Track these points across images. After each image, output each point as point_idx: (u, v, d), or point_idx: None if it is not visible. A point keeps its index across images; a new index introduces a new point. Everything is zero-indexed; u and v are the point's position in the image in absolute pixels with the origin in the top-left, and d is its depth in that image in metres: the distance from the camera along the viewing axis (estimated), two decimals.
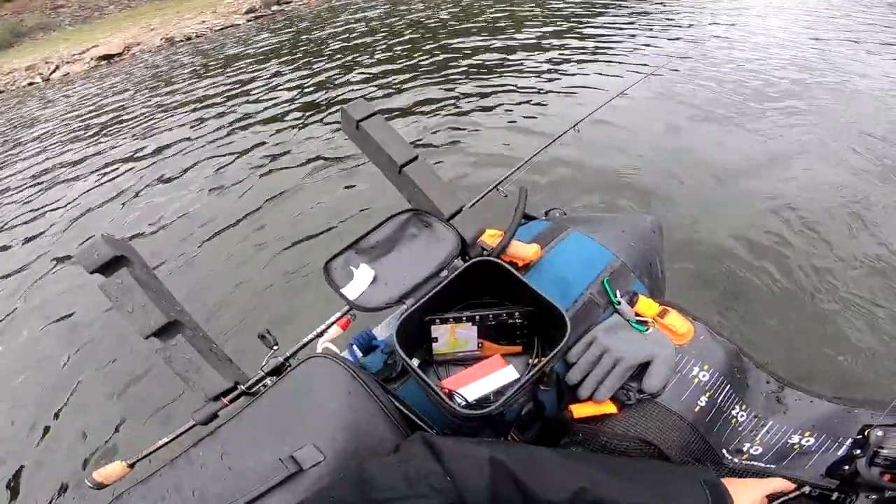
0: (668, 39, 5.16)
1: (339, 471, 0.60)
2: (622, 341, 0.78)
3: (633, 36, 5.35)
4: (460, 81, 4.79)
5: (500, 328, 0.80)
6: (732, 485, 0.59)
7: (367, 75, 5.60)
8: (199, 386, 0.76)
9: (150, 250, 3.01)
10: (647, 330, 0.80)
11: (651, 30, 5.56)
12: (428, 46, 6.26)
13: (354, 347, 0.88)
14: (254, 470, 0.61)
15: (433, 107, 4.32)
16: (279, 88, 5.80)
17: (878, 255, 2.08)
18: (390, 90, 4.96)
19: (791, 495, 0.63)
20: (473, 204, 1.20)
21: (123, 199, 3.87)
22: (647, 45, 5.01)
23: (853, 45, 4.50)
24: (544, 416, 0.80)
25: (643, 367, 0.76)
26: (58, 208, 4.04)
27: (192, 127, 5.18)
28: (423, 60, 5.72)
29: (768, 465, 0.69)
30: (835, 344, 1.74)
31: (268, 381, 0.81)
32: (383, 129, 0.97)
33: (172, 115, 5.77)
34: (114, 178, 4.34)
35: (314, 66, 6.44)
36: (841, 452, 0.64)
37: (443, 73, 5.17)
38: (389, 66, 5.75)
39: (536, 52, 5.25)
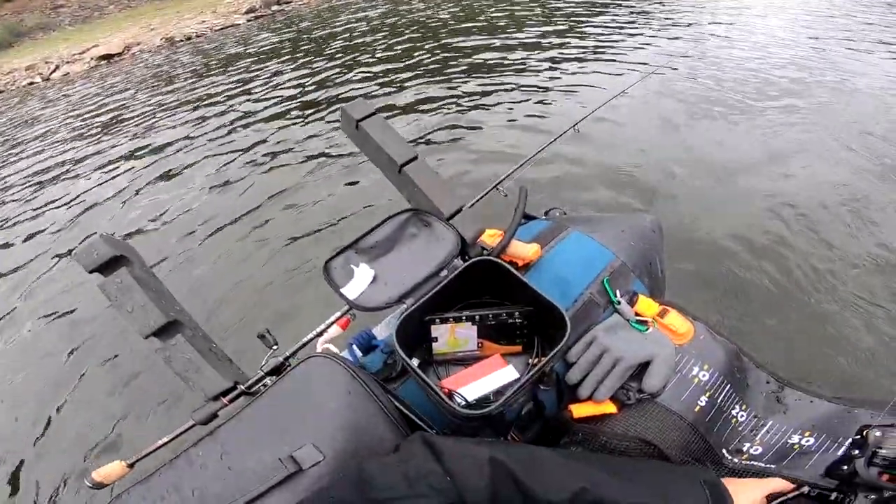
0: (668, 38, 5.16)
1: (339, 471, 0.60)
2: (622, 341, 0.78)
3: (633, 35, 5.35)
4: (461, 80, 4.79)
5: (500, 328, 0.80)
6: (732, 485, 0.59)
7: (368, 74, 5.60)
8: (198, 386, 0.76)
9: (151, 248, 3.02)
10: (647, 330, 0.80)
11: (651, 29, 5.56)
12: (428, 46, 6.25)
13: (354, 347, 0.88)
14: (253, 470, 0.61)
15: (434, 105, 4.32)
16: (280, 87, 5.80)
17: (878, 254, 2.08)
18: (391, 89, 4.96)
19: (790, 495, 0.63)
20: (473, 203, 1.20)
21: (124, 197, 3.88)
22: (648, 44, 5.01)
23: (853, 44, 4.50)
24: (544, 416, 0.80)
25: (643, 367, 0.76)
26: (59, 206, 4.05)
27: (193, 125, 5.19)
28: (423, 59, 5.72)
29: (768, 465, 0.68)
30: (835, 344, 1.74)
31: (267, 380, 0.81)
32: (383, 128, 0.97)
33: (173, 114, 5.77)
34: (115, 176, 4.34)
35: (315, 65, 6.44)
36: (840, 453, 0.64)
37: (443, 71, 5.16)
38: (390, 65, 5.75)
39: (537, 52, 5.24)
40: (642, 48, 4.94)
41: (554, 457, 0.58)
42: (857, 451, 0.58)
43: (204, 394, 0.76)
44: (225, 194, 3.55)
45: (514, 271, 0.77)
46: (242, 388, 0.78)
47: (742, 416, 0.77)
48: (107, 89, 8.34)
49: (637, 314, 0.84)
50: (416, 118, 4.13)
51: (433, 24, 7.48)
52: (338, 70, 6.01)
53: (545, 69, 4.72)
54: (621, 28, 5.66)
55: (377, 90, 5.02)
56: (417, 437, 0.60)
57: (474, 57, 5.45)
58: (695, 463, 0.71)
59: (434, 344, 0.81)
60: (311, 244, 2.76)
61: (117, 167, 4.56)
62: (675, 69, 4.18)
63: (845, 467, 0.59)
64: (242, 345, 2.03)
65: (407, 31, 7.29)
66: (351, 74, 5.72)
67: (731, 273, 2.08)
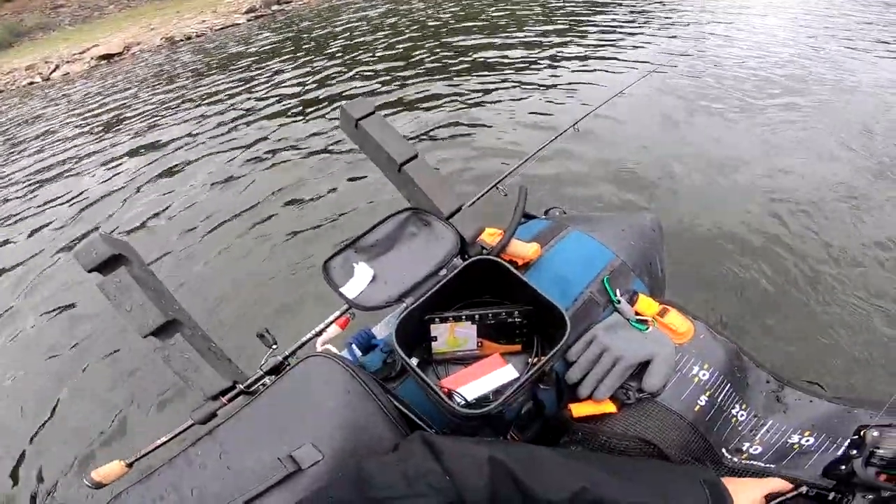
0: (668, 37, 5.16)
1: (338, 470, 0.60)
2: (622, 340, 0.78)
3: (633, 34, 5.35)
4: (462, 78, 4.79)
5: (500, 327, 0.80)
6: (732, 484, 0.59)
7: (369, 72, 5.60)
8: (197, 385, 0.76)
9: (152, 244, 3.04)
10: (647, 329, 0.80)
11: (651, 28, 5.56)
12: (429, 45, 6.26)
13: (353, 346, 0.88)
14: (252, 469, 0.61)
15: (435, 103, 4.32)
16: (281, 85, 5.81)
17: (878, 253, 2.08)
18: (392, 87, 4.96)
19: (788, 495, 0.63)
20: (473, 202, 1.20)
21: (126, 194, 3.89)
22: (648, 43, 5.01)
23: (852, 43, 4.49)
24: (544, 416, 0.80)
25: (643, 366, 0.76)
26: (62, 203, 4.06)
27: (194, 123, 5.19)
28: (424, 58, 5.73)
29: (768, 465, 0.68)
30: (834, 343, 1.74)
31: (266, 380, 0.81)
32: (382, 127, 0.96)
33: (174, 112, 5.78)
34: (117, 174, 4.35)
35: (316, 64, 6.44)
36: (839, 453, 0.64)
37: (444, 70, 5.17)
38: (391, 64, 5.76)
39: (537, 50, 5.24)
40: (642, 47, 4.93)
41: (554, 456, 0.58)
42: (854, 451, 0.58)
43: (203, 393, 0.76)
44: (227, 191, 3.56)
45: (514, 270, 0.77)
46: (241, 387, 0.78)
47: (742, 415, 0.76)
48: (107, 88, 8.34)
49: (637, 313, 0.84)
50: (417, 116, 4.13)
51: (433, 24, 7.47)
52: (339, 68, 6.01)
53: (546, 68, 4.71)
54: (621, 27, 5.66)
55: (378, 88, 5.03)
56: (417, 436, 0.60)
57: (475, 55, 5.45)
58: (695, 462, 0.71)
59: (433, 343, 0.81)
60: (312, 240, 2.76)
61: (119, 164, 4.57)
62: (675, 67, 4.18)
63: (843, 467, 0.59)
64: (242, 341, 2.04)
65: (407, 31, 7.29)
66: (352, 73, 5.72)
67: (731, 272, 2.08)
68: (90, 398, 2.12)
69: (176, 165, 4.21)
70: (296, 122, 4.57)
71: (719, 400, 0.75)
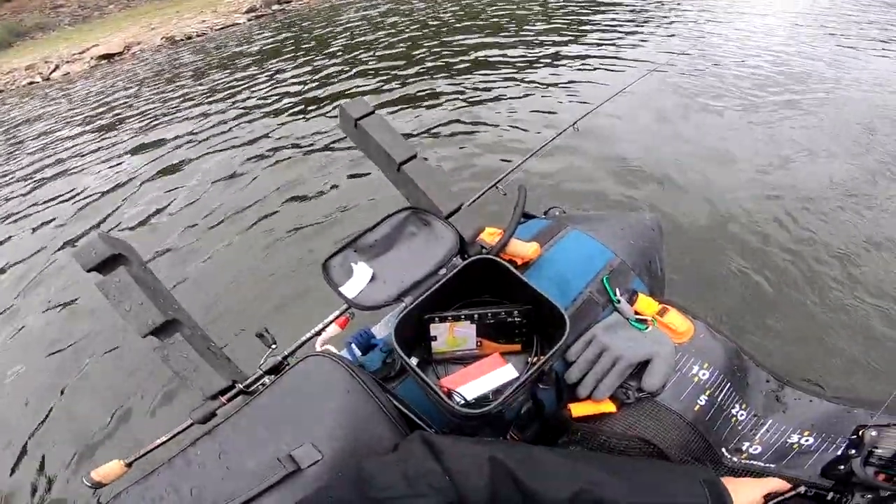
0: (668, 36, 5.16)
1: (337, 470, 0.60)
2: (621, 339, 0.78)
3: (633, 33, 5.35)
4: (462, 77, 4.80)
5: (499, 326, 0.80)
6: (731, 484, 0.59)
7: (370, 71, 5.61)
8: (196, 385, 0.76)
9: (154, 241, 3.05)
10: (646, 328, 0.80)
11: (650, 27, 5.56)
12: (430, 44, 6.26)
13: (353, 346, 0.88)
14: (252, 469, 0.61)
15: (435, 102, 4.32)
16: (282, 84, 5.81)
17: (878, 254, 2.08)
18: (392, 85, 4.97)
19: (787, 495, 0.63)
20: (472, 202, 1.19)
21: (128, 191, 3.90)
22: (648, 42, 5.01)
23: (852, 42, 4.50)
24: (543, 415, 0.80)
25: (643, 366, 0.76)
26: (63, 200, 4.07)
27: (195, 121, 5.20)
28: (425, 57, 5.73)
29: (768, 465, 0.68)
30: (834, 343, 1.73)
31: (266, 379, 0.81)
32: (382, 126, 0.96)
33: (175, 111, 5.78)
34: (118, 172, 4.36)
35: (317, 63, 6.45)
36: (839, 452, 0.64)
37: (445, 69, 5.17)
38: (392, 63, 5.76)
39: (538, 49, 5.24)
40: (642, 46, 4.93)
41: (553, 456, 0.58)
42: (853, 451, 0.58)
43: (202, 393, 0.76)
44: (229, 188, 3.56)
45: (514, 270, 0.77)
46: (241, 386, 0.78)
47: (742, 415, 0.76)
48: (108, 88, 8.35)
49: (637, 313, 0.84)
50: (418, 114, 4.13)
51: (434, 23, 7.47)
52: (340, 67, 6.02)
53: (546, 66, 4.71)
54: (621, 26, 5.66)
55: (379, 87, 5.03)
56: (416, 436, 0.60)
57: (475, 54, 5.45)
58: (694, 462, 0.71)
59: (433, 343, 0.81)
60: (313, 236, 2.77)
61: (120, 162, 4.58)
62: (675, 66, 4.18)
63: (842, 467, 0.60)
64: (242, 337, 2.08)
65: (408, 30, 7.29)
66: (353, 71, 5.73)
67: (731, 271, 2.08)
68: (91, 395, 2.12)
69: (177, 163, 4.22)
70: (297, 120, 4.57)
71: (719, 399, 0.75)
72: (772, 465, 0.68)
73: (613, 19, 6.03)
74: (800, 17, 5.44)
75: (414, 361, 0.76)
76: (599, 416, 0.74)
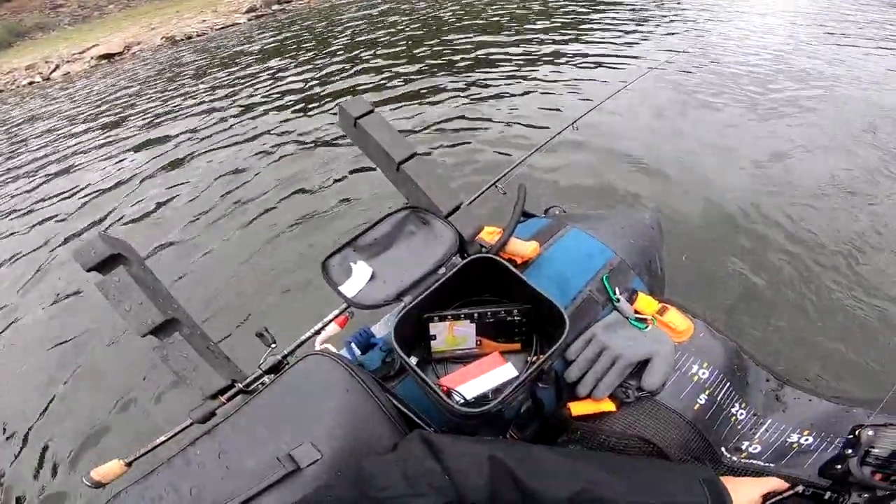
0: (669, 35, 5.16)
1: (337, 469, 0.60)
2: (621, 338, 0.78)
3: (633, 32, 5.35)
4: (463, 76, 4.80)
5: (499, 326, 0.80)
6: (731, 483, 0.59)
7: (371, 70, 5.62)
8: (196, 384, 0.76)
9: (156, 236, 3.06)
10: (646, 327, 0.80)
11: (650, 26, 5.56)
12: (430, 42, 6.26)
13: (352, 345, 0.87)
14: (251, 468, 0.61)
15: (436, 99, 4.33)
16: (284, 83, 5.83)
17: (879, 254, 2.07)
18: (393, 84, 4.97)
19: (785, 494, 0.63)
20: (472, 201, 1.19)
21: (130, 188, 3.92)
22: (648, 41, 5.01)
23: (851, 40, 4.50)
24: (543, 414, 0.80)
25: (642, 365, 0.76)
26: (66, 197, 4.10)
27: (196, 119, 5.22)
28: (425, 56, 5.74)
29: (767, 464, 0.68)
30: (834, 342, 1.73)
31: (265, 379, 0.81)
32: (381, 125, 0.96)
33: (177, 109, 5.80)
34: (119, 169, 4.38)
35: (318, 62, 6.47)
36: (837, 452, 0.64)
37: (445, 67, 5.18)
38: (392, 61, 5.77)
39: (538, 48, 5.24)
40: (642, 44, 4.94)
41: (553, 455, 0.58)
42: (850, 451, 0.58)
43: (202, 392, 0.76)
44: (230, 184, 3.58)
45: (513, 269, 0.77)
46: (240, 386, 0.78)
47: (741, 414, 0.76)
48: (109, 87, 8.36)
49: (636, 312, 0.83)
50: (418, 112, 4.14)
51: (435, 22, 7.47)
52: (341, 66, 6.03)
53: (547, 64, 4.72)
54: (622, 25, 5.66)
55: (380, 84, 5.04)
56: (416, 435, 0.60)
57: (476, 53, 5.45)
58: (694, 461, 0.71)
59: (432, 342, 0.81)
60: (316, 231, 2.79)
61: (122, 159, 4.61)
62: (675, 65, 4.17)
63: (839, 466, 0.60)
64: (242, 331, 2.10)
65: (408, 29, 7.29)
66: (353, 70, 5.74)
67: (731, 270, 2.08)
68: (91, 392, 2.12)
69: (179, 159, 4.24)
70: (299, 117, 4.59)
71: (719, 398, 0.75)
72: (771, 465, 0.68)
73: (614, 18, 6.03)
74: (799, 17, 5.44)
75: (413, 360, 0.76)
76: (599, 415, 0.74)
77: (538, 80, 4.35)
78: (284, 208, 3.08)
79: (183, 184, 3.74)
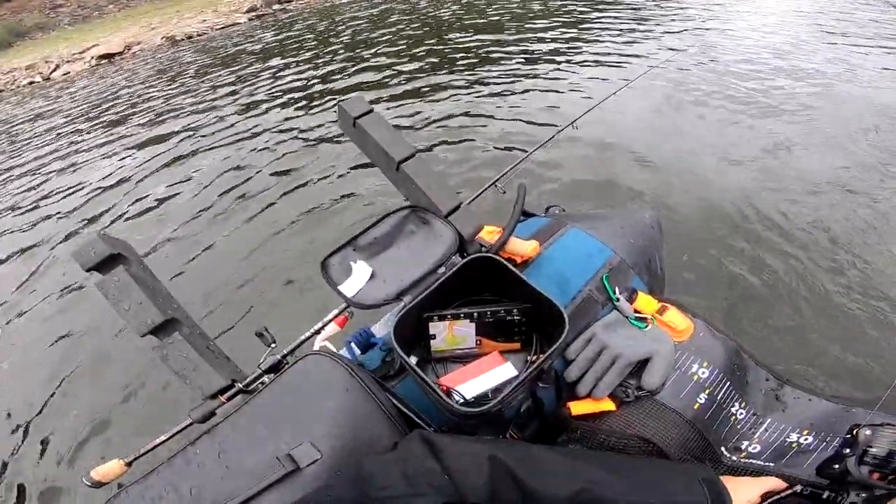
0: (670, 34, 5.16)
1: (337, 469, 0.60)
2: (621, 338, 0.78)
3: (634, 31, 5.35)
4: (463, 75, 4.80)
5: (499, 325, 0.80)
6: (730, 483, 0.59)
7: (372, 69, 5.62)
8: (196, 384, 0.76)
9: (157, 233, 3.07)
10: (646, 327, 0.80)
11: (650, 25, 5.56)
12: (430, 41, 6.27)
13: (352, 345, 0.87)
14: (251, 468, 0.61)
15: (437, 97, 4.33)
16: (285, 81, 5.84)
17: (879, 254, 2.07)
18: (394, 82, 4.98)
19: (784, 494, 0.63)
20: (472, 200, 1.19)
21: (131, 185, 3.94)
22: (648, 40, 5.01)
23: (851, 40, 4.49)
24: (543, 414, 0.80)
25: (642, 364, 0.75)
26: (66, 195, 4.11)
27: (198, 116, 5.24)
28: (426, 55, 5.74)
29: (767, 464, 0.68)
30: (833, 342, 1.73)
31: (265, 378, 0.81)
32: (380, 125, 0.96)
33: (178, 107, 5.81)
34: (121, 167, 4.40)
35: (319, 60, 6.48)
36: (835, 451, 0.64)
37: (446, 66, 5.18)
38: (393, 60, 5.77)
39: (538, 48, 5.24)
40: (642, 43, 4.94)
41: (553, 455, 0.58)
42: (848, 450, 0.59)
43: (201, 392, 0.76)
44: (232, 181, 3.59)
45: (513, 268, 0.77)
46: (240, 385, 0.78)
47: (741, 413, 0.76)
48: (109, 86, 8.37)
49: (636, 311, 0.83)
50: (421, 109, 4.15)
51: (435, 22, 7.47)
52: (342, 65, 6.04)
53: (548, 63, 4.72)
54: (622, 24, 5.66)
55: (380, 83, 5.05)
56: (416, 434, 0.60)
57: (476, 52, 5.46)
58: (694, 460, 0.71)
59: (432, 341, 0.80)
60: (316, 227, 2.79)
61: (124, 157, 4.62)
62: (675, 63, 4.17)
63: (837, 466, 0.60)
64: (242, 328, 2.11)
65: (408, 29, 7.29)
66: (354, 69, 5.75)
67: (731, 270, 2.07)
68: (91, 389, 2.13)
69: (181, 157, 4.26)
70: (300, 115, 4.60)
71: (719, 398, 0.75)
72: (771, 464, 0.68)
73: (614, 17, 6.03)
74: (799, 17, 5.43)
75: (413, 360, 0.76)
76: (599, 415, 0.74)
77: (538, 78, 4.36)
78: (285, 204, 3.09)
79: (184, 181, 3.75)
